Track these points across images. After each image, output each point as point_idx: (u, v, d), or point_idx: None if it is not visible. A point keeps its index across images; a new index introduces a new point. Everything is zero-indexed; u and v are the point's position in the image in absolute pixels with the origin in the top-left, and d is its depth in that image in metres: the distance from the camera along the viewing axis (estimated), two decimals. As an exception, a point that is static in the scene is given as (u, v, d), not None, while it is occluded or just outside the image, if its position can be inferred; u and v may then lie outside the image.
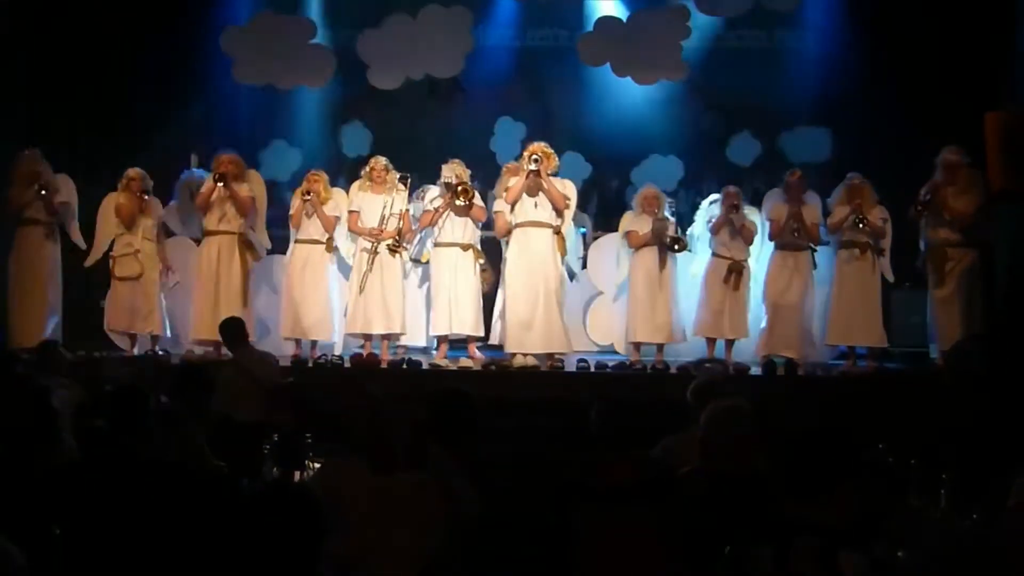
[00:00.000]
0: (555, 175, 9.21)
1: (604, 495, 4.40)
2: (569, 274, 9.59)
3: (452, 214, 9.21)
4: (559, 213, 9.07)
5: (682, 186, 11.58)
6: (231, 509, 3.78)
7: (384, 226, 9.19)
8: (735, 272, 9.35)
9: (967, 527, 3.96)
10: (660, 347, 9.45)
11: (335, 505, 4.15)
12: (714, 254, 9.49)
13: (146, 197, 9.52)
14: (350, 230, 9.47)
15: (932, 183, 9.12)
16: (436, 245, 9.36)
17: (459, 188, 9.10)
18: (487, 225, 9.58)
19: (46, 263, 9.51)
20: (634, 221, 9.56)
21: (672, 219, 9.54)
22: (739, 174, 11.16)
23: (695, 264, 9.69)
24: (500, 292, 9.50)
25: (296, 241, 9.53)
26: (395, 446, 4.13)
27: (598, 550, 4.07)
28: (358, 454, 4.32)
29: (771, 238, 9.46)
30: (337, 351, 9.55)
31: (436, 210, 9.23)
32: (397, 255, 9.25)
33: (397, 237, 9.18)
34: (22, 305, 9.43)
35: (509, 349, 9.03)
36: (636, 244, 9.45)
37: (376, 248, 9.19)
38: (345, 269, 9.68)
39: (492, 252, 9.74)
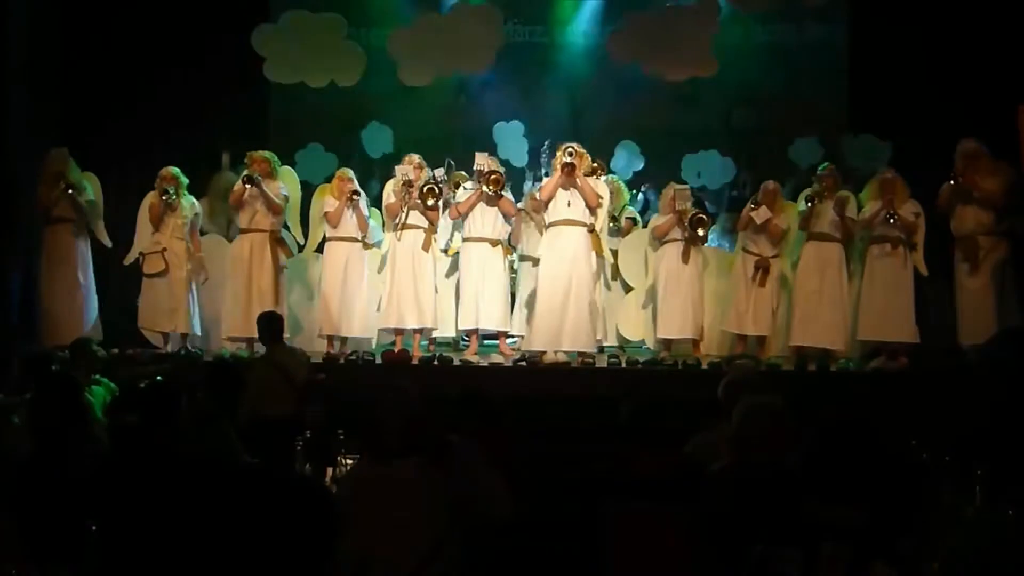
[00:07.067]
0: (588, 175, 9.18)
1: (634, 491, 4.40)
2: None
3: (484, 206, 9.24)
4: (592, 211, 9.06)
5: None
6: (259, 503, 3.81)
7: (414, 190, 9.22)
8: (762, 269, 9.36)
9: (1003, 523, 3.91)
10: (696, 343, 9.44)
11: (351, 502, 4.16)
12: (743, 250, 9.51)
13: (175, 196, 9.51)
14: (387, 213, 9.45)
15: (956, 170, 9.04)
16: (465, 240, 9.40)
17: (491, 176, 9.13)
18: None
19: (76, 260, 9.59)
20: (659, 219, 9.62)
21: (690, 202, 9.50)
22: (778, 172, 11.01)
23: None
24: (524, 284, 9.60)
25: (332, 239, 9.56)
26: (389, 434, 4.11)
27: (627, 546, 4.07)
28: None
29: (800, 227, 9.42)
30: (370, 346, 9.58)
31: (468, 199, 9.27)
32: (431, 241, 9.31)
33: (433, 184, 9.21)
34: (54, 303, 9.52)
35: (539, 347, 9.02)
36: (661, 234, 9.48)
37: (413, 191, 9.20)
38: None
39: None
